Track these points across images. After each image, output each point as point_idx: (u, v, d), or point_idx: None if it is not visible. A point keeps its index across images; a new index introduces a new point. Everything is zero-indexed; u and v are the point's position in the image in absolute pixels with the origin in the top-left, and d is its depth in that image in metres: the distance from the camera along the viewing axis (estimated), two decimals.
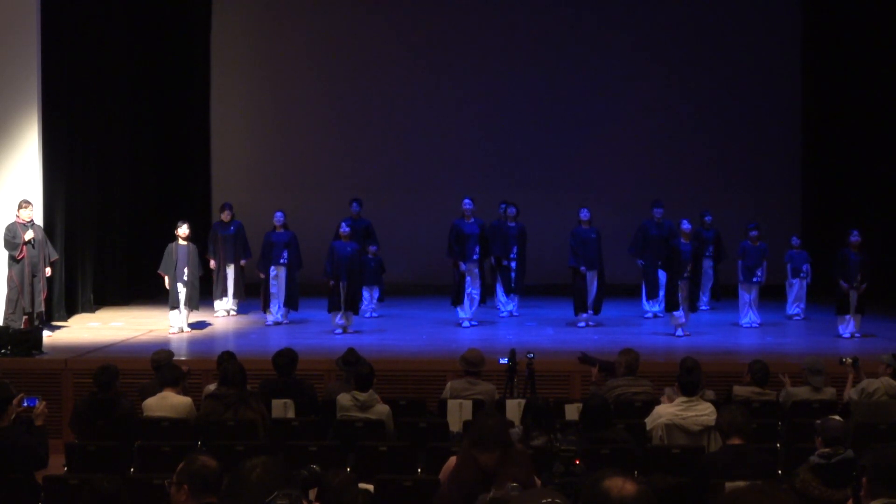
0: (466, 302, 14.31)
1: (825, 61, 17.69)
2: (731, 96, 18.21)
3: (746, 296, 14.54)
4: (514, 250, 15.09)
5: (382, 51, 18.38)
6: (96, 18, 15.61)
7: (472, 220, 14.45)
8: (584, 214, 14.45)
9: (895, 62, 16.63)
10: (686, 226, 13.80)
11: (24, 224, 12.91)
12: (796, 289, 15.18)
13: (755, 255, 14.62)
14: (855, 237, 13.64)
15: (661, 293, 15.07)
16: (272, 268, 14.44)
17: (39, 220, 13.40)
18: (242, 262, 15.27)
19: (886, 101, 16.72)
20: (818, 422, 6.57)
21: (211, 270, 15.12)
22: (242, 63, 18.54)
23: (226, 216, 15.28)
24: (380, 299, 15.44)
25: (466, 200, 14.52)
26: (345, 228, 13.92)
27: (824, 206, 17.61)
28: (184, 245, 13.78)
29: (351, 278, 13.73)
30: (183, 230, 13.77)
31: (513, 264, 15.11)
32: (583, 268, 14.22)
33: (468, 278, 14.27)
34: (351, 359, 9.35)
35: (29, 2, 13.39)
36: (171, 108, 17.84)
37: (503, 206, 15.34)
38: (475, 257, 14.36)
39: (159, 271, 13.84)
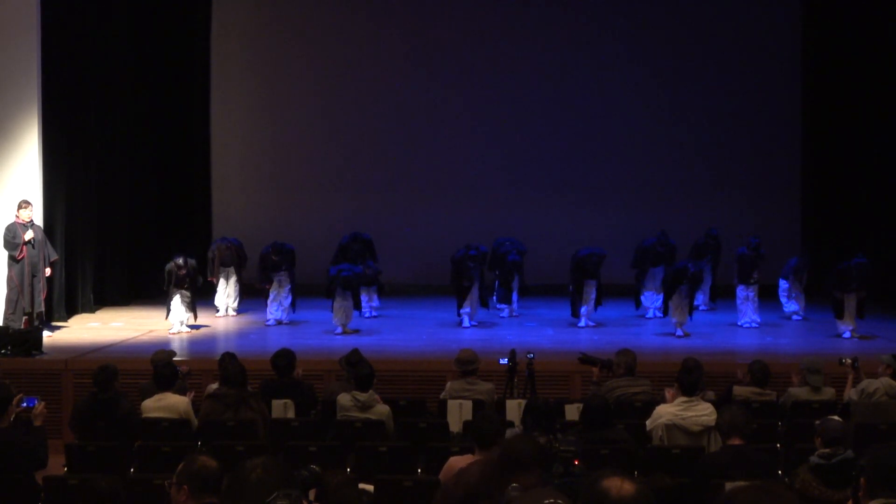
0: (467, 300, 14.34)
1: (826, 63, 17.66)
2: (732, 100, 18.16)
3: (743, 294, 14.49)
4: (516, 280, 15.13)
5: (383, 52, 18.37)
6: (96, 19, 15.60)
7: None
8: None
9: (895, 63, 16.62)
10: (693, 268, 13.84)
11: (23, 224, 12.91)
12: (796, 289, 15.14)
13: (752, 261, 14.54)
14: (858, 260, 13.57)
15: (650, 293, 15.14)
16: (272, 274, 14.46)
17: (39, 221, 13.41)
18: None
19: (887, 104, 16.69)
20: (818, 422, 6.57)
21: (210, 282, 15.12)
22: (242, 64, 18.54)
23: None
24: (379, 297, 15.44)
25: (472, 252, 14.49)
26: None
27: (824, 210, 17.56)
28: (182, 274, 13.73)
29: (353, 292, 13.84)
30: (178, 265, 13.67)
31: (514, 295, 15.15)
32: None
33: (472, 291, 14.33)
34: (354, 359, 9.34)
35: (29, 2, 13.40)
36: (171, 108, 17.82)
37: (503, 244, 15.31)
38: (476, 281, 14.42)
39: (164, 288, 13.82)
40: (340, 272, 13.78)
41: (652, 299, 15.19)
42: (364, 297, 14.87)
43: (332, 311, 13.82)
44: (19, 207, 12.90)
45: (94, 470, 7.14)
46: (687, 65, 18.18)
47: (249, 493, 3.79)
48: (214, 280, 15.09)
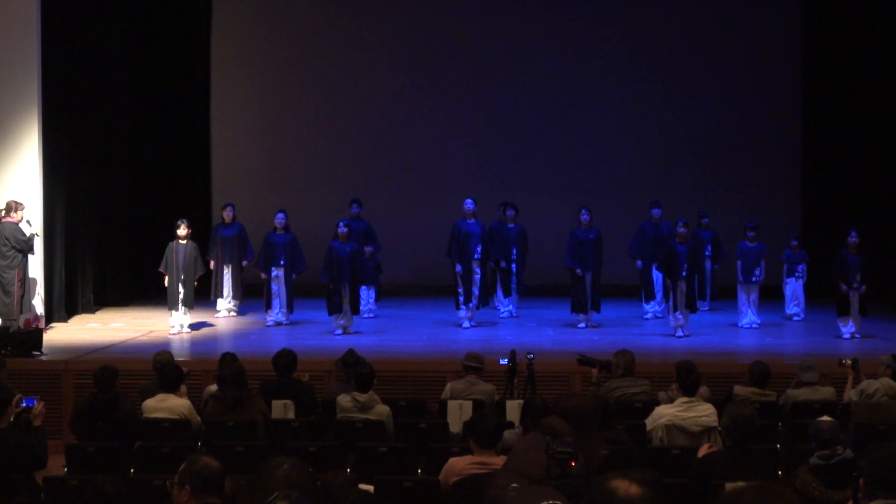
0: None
1: (825, 60, 17.67)
2: (731, 96, 18.19)
3: (745, 296, 14.53)
4: (514, 252, 15.13)
5: (382, 52, 18.38)
6: (96, 19, 15.61)
7: (473, 220, 14.47)
8: (584, 215, 14.47)
9: (895, 62, 16.62)
10: (682, 228, 13.80)
11: (18, 225, 12.87)
12: (792, 288, 15.16)
13: (754, 254, 14.62)
14: (853, 238, 13.59)
15: (660, 295, 15.09)
16: (273, 268, 14.42)
17: (39, 221, 13.42)
18: (244, 263, 15.22)
19: (887, 101, 16.71)
20: (810, 426, 6.56)
21: (211, 270, 15.08)
22: (242, 63, 18.54)
23: (227, 216, 15.24)
24: (376, 299, 15.45)
25: (468, 200, 14.54)
26: (342, 228, 13.90)
27: (824, 206, 17.57)
28: (182, 244, 13.77)
29: (351, 278, 13.74)
30: (181, 230, 13.76)
31: (513, 266, 15.15)
32: (578, 270, 14.22)
33: (473, 278, 14.30)
34: (350, 360, 9.35)
35: (29, 2, 13.40)
36: (171, 108, 17.81)
37: (502, 207, 15.39)
38: (476, 256, 14.36)
39: (160, 269, 13.85)
40: (344, 249, 13.71)
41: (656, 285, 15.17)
42: (363, 295, 14.83)
43: (330, 315, 13.77)
44: (14, 209, 12.85)
45: (94, 471, 7.13)
46: (686, 61, 18.18)
47: (275, 488, 3.75)
48: (210, 263, 15.00)
